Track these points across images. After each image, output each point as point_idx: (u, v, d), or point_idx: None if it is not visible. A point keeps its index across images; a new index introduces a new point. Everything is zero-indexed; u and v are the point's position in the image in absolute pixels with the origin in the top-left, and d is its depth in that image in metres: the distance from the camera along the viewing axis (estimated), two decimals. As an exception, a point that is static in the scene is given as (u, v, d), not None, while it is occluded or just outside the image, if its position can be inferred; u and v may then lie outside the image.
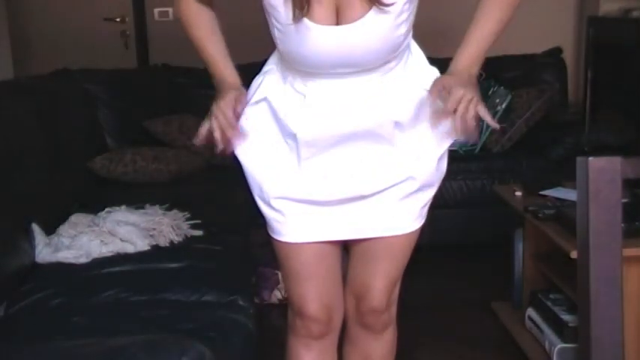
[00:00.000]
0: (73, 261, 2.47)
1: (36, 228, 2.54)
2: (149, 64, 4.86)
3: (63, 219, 2.74)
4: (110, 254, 2.53)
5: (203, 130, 1.70)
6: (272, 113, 1.77)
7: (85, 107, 3.81)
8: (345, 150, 1.72)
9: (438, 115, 1.65)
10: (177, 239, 2.67)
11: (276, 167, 1.77)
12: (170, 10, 4.84)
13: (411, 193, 1.77)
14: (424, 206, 1.82)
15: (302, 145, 1.72)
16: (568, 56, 4.56)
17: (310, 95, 1.70)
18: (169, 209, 2.89)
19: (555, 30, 4.75)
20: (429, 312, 3.23)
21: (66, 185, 3.05)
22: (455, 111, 1.59)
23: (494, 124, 1.67)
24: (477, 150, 4.05)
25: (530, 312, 2.79)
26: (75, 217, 2.76)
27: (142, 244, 2.59)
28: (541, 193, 2.91)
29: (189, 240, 2.70)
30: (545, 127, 4.11)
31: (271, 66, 1.80)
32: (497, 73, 4.21)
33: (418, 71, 1.75)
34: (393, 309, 1.95)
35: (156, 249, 2.60)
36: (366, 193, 1.75)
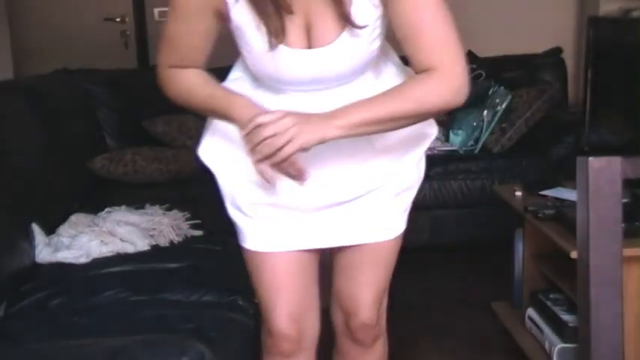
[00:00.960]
0: (73, 261, 2.47)
1: (36, 228, 2.54)
2: (149, 64, 4.86)
3: (63, 219, 2.74)
4: (110, 254, 2.53)
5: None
6: None
7: (85, 107, 3.81)
8: (320, 154, 1.61)
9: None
10: (177, 239, 2.67)
11: (247, 172, 1.66)
12: (170, 10, 4.84)
13: (390, 198, 1.72)
14: (404, 211, 1.76)
15: None
16: (568, 56, 4.56)
17: (282, 105, 1.59)
18: (169, 209, 2.89)
19: (555, 30, 4.75)
20: (429, 312, 3.23)
21: (66, 185, 3.05)
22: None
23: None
24: (477, 150, 4.05)
25: (530, 312, 2.79)
26: (75, 217, 2.76)
27: (142, 244, 2.59)
28: (541, 193, 2.90)
29: (189, 240, 2.70)
30: (545, 127, 4.10)
31: (240, 74, 1.71)
32: (497, 73, 4.21)
33: (393, 76, 1.68)
34: (383, 320, 1.90)
35: (156, 249, 2.60)
36: (342, 200, 1.68)
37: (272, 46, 1.51)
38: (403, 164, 1.71)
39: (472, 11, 4.39)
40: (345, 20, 1.49)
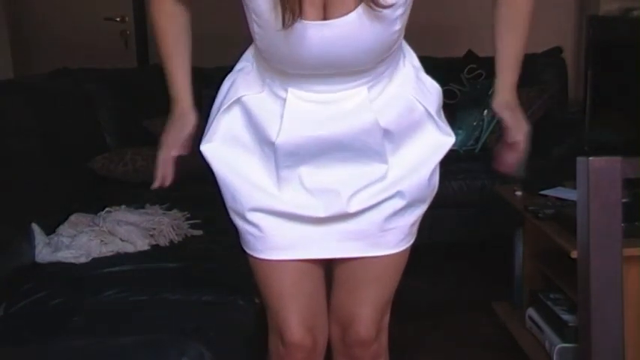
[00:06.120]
0: (72, 261, 2.47)
1: (36, 228, 2.54)
2: (149, 63, 4.86)
3: (63, 219, 2.74)
4: (110, 254, 2.53)
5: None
6: (246, 117, 1.62)
7: (85, 107, 3.81)
8: (330, 162, 1.59)
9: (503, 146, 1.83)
10: (177, 239, 2.68)
11: (252, 176, 1.62)
12: (170, 9, 4.84)
13: (400, 210, 1.64)
14: (414, 224, 1.69)
15: (280, 154, 1.57)
16: (568, 56, 4.56)
17: (291, 101, 1.55)
18: (169, 209, 2.89)
19: (555, 30, 4.74)
20: (429, 312, 3.23)
21: (66, 185, 3.05)
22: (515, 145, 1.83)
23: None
24: (477, 150, 4.05)
25: (531, 312, 2.79)
26: (75, 217, 2.76)
27: (142, 244, 2.59)
28: (541, 193, 2.90)
29: (189, 240, 2.70)
30: (545, 126, 4.10)
31: (245, 63, 1.65)
32: (498, 73, 4.21)
33: (410, 79, 1.63)
34: (384, 338, 1.80)
35: (156, 249, 2.60)
36: (352, 211, 1.61)
37: (286, 26, 1.42)
38: (415, 176, 1.64)
39: (472, 11, 4.38)
40: None
